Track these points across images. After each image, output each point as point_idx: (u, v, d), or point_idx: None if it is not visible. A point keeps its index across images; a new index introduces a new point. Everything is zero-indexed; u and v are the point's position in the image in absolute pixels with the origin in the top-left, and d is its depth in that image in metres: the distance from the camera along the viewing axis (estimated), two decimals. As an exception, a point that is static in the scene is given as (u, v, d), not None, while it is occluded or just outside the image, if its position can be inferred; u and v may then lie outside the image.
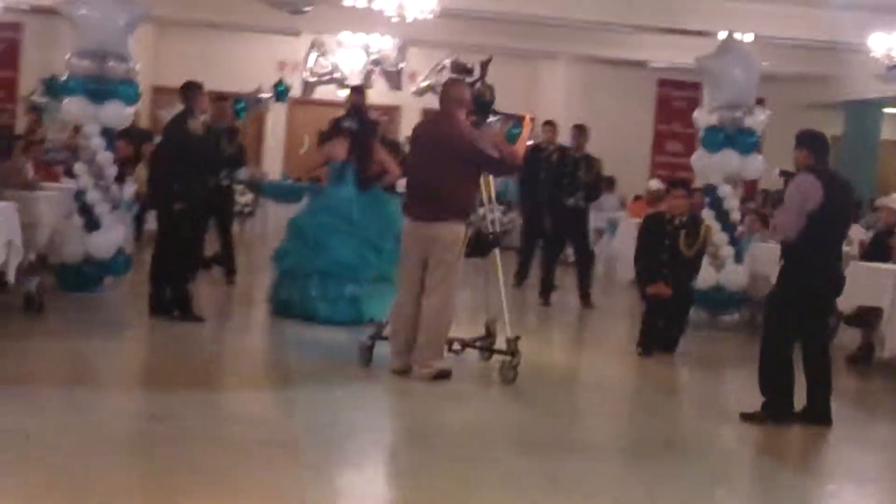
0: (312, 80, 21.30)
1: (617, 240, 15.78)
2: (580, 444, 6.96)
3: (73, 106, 10.91)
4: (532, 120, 8.63)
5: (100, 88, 10.84)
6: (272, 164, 22.11)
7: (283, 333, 9.74)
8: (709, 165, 11.70)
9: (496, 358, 8.56)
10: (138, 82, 11.24)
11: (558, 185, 13.23)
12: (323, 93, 21.63)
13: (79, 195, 10.98)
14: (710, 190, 11.77)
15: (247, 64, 20.86)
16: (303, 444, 6.40)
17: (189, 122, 9.90)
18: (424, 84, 21.43)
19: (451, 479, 5.85)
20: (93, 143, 10.91)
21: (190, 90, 10.10)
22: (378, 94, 20.97)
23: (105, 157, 10.96)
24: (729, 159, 11.59)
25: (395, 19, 16.41)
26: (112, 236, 11.00)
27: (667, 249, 9.97)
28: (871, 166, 21.19)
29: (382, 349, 8.38)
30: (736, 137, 11.61)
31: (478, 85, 8.67)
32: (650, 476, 6.23)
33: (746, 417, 7.50)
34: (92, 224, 10.91)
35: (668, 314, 9.94)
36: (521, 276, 14.83)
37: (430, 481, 5.82)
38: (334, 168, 10.79)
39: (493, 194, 8.60)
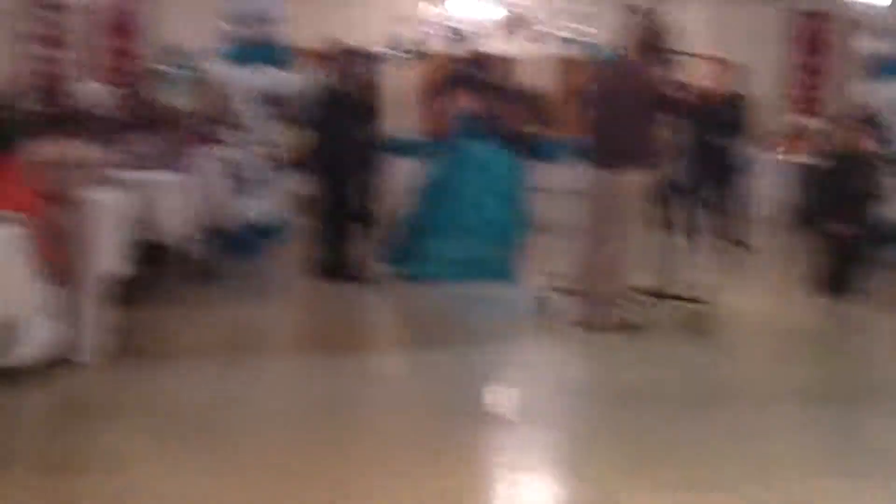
0: (434, 33, 21.05)
1: (765, 179, 15.28)
2: (787, 393, 6.76)
3: (227, 71, 10.87)
4: (721, 60, 8.35)
5: (254, 53, 10.78)
6: (397, 120, 21.89)
7: (444, 292, 9.57)
8: (875, 95, 11.24)
9: (679, 305, 8.33)
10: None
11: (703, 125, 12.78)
12: (444, 46, 21.35)
13: (236, 163, 10.96)
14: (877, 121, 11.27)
15: (365, 19, 20.64)
16: (500, 406, 6.32)
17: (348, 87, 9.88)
18: (560, 33, 21.10)
19: (661, 438, 5.71)
20: (248, 109, 10.87)
21: (346, 55, 10.14)
22: (516, 47, 20.70)
23: (260, 123, 10.91)
24: (896, 88, 11.14)
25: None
26: (270, 202, 10.98)
27: (845, 187, 9.61)
28: None
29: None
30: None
31: (656, 27, 8.31)
32: (865, 421, 6.00)
33: None
34: (250, 191, 10.89)
35: (850, 254, 9.58)
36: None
37: (640, 439, 5.68)
38: (466, 120, 10.40)
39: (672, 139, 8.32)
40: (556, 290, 8.37)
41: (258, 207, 10.87)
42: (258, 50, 10.82)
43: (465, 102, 10.30)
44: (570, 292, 8.21)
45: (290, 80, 11.25)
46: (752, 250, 12.30)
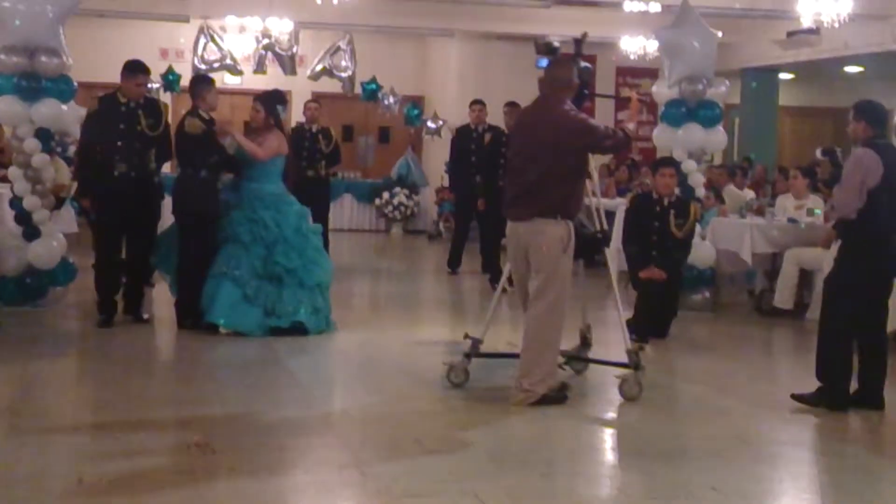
0: (202, 67, 20.38)
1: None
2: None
3: (4, 105, 10.02)
4: (640, 99, 7.99)
5: (32, 86, 9.98)
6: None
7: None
8: (672, 140, 11.36)
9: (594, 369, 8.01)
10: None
11: (498, 167, 12.82)
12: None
13: (15, 202, 10.14)
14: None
15: (129, 53, 19.80)
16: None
17: (187, 121, 9.40)
18: (319, 67, 20.79)
19: None
20: (27, 146, 10.04)
21: (196, 85, 9.70)
22: (271, 80, 20.27)
23: (41, 160, 10.09)
24: (692, 133, 11.27)
25: (319, 1, 15.88)
26: (54, 244, 10.19)
27: (657, 231, 9.69)
28: (771, 133, 21.39)
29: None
30: (697, 111, 11.30)
31: (577, 65, 7.67)
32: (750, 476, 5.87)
33: (798, 398, 7.25)
34: (31, 232, 10.09)
35: (661, 298, 9.63)
36: (454, 262, 14.43)
37: None
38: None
39: (596, 186, 7.79)
40: (473, 354, 7.63)
41: (42, 250, 10.04)
42: (36, 81, 10.00)
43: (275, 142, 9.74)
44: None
45: (70, 113, 10.46)
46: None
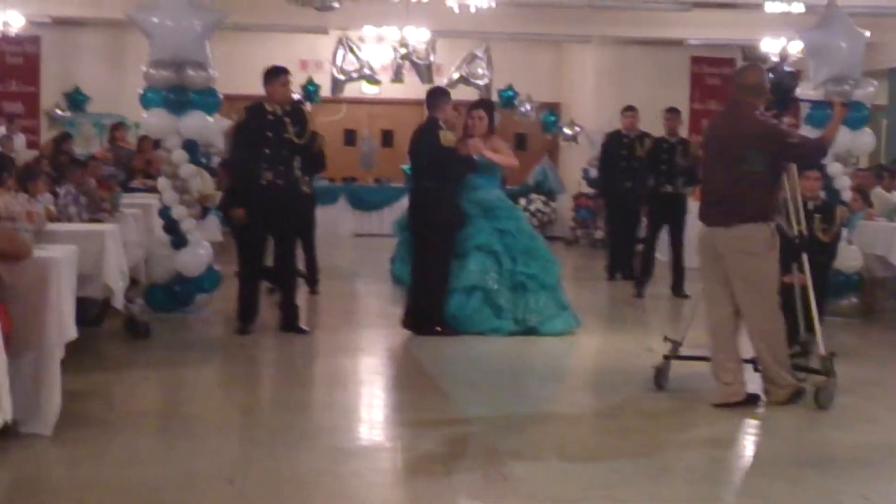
0: (341, 77, 20.68)
1: (690, 225, 15.15)
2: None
3: (153, 118, 10.33)
4: (844, 105, 7.91)
5: (180, 99, 10.25)
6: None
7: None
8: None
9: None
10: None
11: (656, 173, 12.77)
12: (351, 90, 21.12)
13: (164, 212, 10.41)
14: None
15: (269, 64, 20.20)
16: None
17: (442, 134, 9.48)
18: (455, 76, 20.91)
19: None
20: (175, 157, 10.31)
21: (435, 97, 9.77)
22: (408, 89, 20.51)
23: (188, 171, 10.35)
24: (839, 136, 10.98)
25: (456, 10, 16.01)
26: (200, 252, 10.43)
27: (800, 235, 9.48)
28: (918, 135, 20.80)
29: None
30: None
31: (776, 70, 7.72)
32: None
33: None
34: (179, 241, 10.35)
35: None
36: (613, 268, 14.36)
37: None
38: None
39: (797, 191, 7.62)
40: (675, 357, 7.63)
41: (189, 258, 10.29)
42: (183, 94, 10.26)
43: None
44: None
45: (215, 125, 10.73)
46: (687, 297, 12.09)
